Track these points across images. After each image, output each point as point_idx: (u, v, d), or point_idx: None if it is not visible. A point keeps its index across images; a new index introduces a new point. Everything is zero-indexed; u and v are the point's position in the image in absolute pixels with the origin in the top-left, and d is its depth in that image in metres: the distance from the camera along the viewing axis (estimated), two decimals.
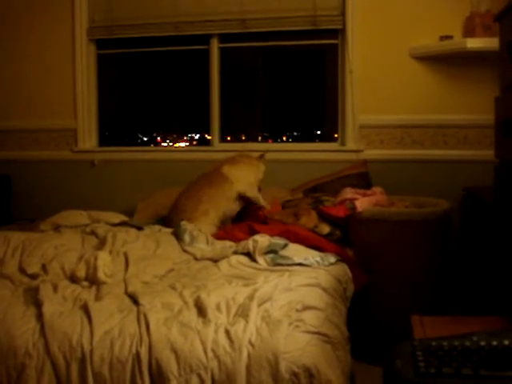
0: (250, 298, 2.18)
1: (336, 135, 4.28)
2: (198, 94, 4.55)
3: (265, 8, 4.15)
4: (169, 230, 3.29)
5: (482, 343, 1.33)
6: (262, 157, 3.73)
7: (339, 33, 4.14)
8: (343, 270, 2.82)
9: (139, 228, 3.32)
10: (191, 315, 2.10)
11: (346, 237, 3.30)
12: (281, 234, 3.07)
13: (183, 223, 3.21)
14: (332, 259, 2.80)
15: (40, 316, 2.12)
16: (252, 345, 1.90)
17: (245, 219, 3.52)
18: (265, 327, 1.97)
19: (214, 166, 3.63)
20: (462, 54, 3.74)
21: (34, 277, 2.62)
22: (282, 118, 4.96)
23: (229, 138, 4.69)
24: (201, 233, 3.19)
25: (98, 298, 2.33)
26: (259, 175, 3.63)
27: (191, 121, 5.03)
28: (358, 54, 4.02)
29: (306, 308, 2.13)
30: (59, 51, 4.49)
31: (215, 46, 4.36)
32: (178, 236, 3.14)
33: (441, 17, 3.86)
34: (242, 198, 3.55)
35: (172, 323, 2.04)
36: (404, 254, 3.14)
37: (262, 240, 2.89)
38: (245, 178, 3.55)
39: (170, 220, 3.51)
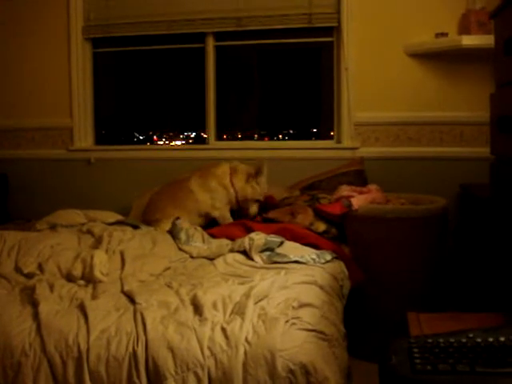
0: (247, 295, 2.18)
1: (332, 133, 4.28)
2: (194, 92, 4.55)
3: (260, 6, 4.15)
4: (164, 229, 3.29)
5: (478, 340, 1.33)
6: (258, 173, 3.57)
7: (334, 30, 4.14)
8: (339, 267, 2.82)
9: (135, 227, 3.32)
10: (188, 313, 2.10)
11: (342, 234, 3.30)
12: (277, 232, 3.07)
13: (179, 222, 3.21)
14: (328, 257, 2.80)
15: (36, 315, 2.12)
16: (248, 342, 1.90)
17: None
18: (261, 325, 1.97)
19: (188, 173, 3.62)
20: (457, 51, 3.74)
21: (30, 276, 2.62)
22: (277, 115, 4.96)
23: (225, 136, 4.68)
24: (197, 231, 3.20)
25: (94, 296, 2.33)
26: (229, 197, 3.55)
27: (187, 119, 5.03)
28: (353, 52, 4.02)
29: (303, 305, 2.13)
30: (55, 50, 4.48)
31: (211, 45, 4.36)
32: (173, 235, 3.14)
33: (436, 14, 3.86)
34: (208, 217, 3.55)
35: (168, 322, 2.04)
36: (400, 251, 3.14)
37: (258, 238, 2.89)
38: (212, 200, 3.52)
39: (144, 222, 3.52)
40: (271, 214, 3.41)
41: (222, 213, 3.53)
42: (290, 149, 4.28)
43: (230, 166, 3.62)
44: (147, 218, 3.55)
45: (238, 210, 3.61)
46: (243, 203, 3.58)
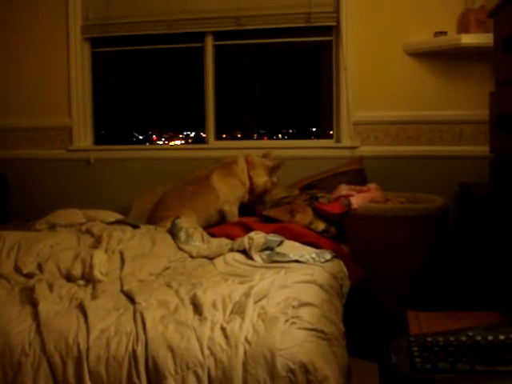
0: (246, 295, 2.18)
1: (331, 132, 4.28)
2: (194, 91, 4.55)
3: (259, 5, 4.15)
4: (164, 229, 3.29)
5: (478, 338, 1.33)
6: (277, 168, 3.67)
7: (333, 29, 4.14)
8: (339, 266, 2.82)
9: (135, 226, 3.32)
10: (187, 313, 2.10)
11: (341, 233, 3.30)
12: (276, 231, 3.07)
13: (178, 221, 3.21)
14: (328, 256, 2.80)
15: (36, 315, 2.12)
16: (248, 342, 1.90)
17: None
18: (261, 324, 1.97)
19: (207, 170, 3.62)
20: (456, 50, 3.73)
21: (29, 276, 2.62)
22: (277, 115, 4.96)
23: (224, 136, 4.68)
24: (196, 231, 3.19)
25: (93, 296, 2.33)
26: (244, 193, 3.62)
27: (187, 119, 5.03)
28: (352, 51, 4.02)
29: (302, 304, 2.14)
30: (54, 50, 4.48)
31: (210, 44, 4.35)
32: (173, 234, 3.14)
33: (435, 13, 3.86)
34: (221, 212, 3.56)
35: (168, 321, 2.04)
36: (399, 250, 3.14)
37: (258, 237, 2.89)
38: (229, 195, 3.55)
39: (153, 218, 3.51)
40: (271, 213, 3.41)
41: (232, 208, 3.55)
42: (290, 148, 4.28)
43: (247, 160, 3.66)
44: (159, 215, 3.52)
45: (250, 203, 3.67)
46: (261, 194, 3.66)
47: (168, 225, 3.30)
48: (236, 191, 3.57)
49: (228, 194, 3.53)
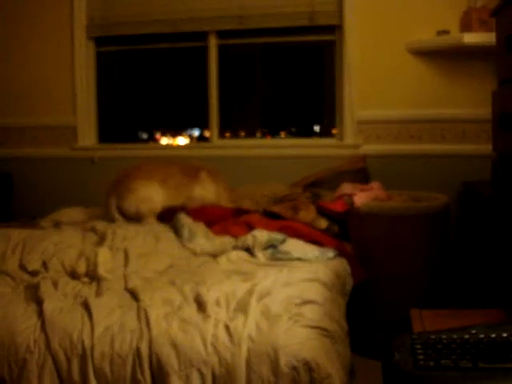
0: (250, 292, 2.19)
1: (334, 131, 4.28)
2: (197, 90, 4.55)
3: (262, 4, 4.15)
4: (167, 227, 3.29)
5: (481, 336, 1.34)
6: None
7: (337, 29, 4.14)
8: (342, 264, 2.83)
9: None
10: (191, 310, 2.11)
11: (344, 232, 3.30)
12: (279, 230, 3.07)
13: (181, 217, 3.21)
14: (331, 254, 2.81)
15: (41, 312, 2.14)
16: (252, 339, 1.91)
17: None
18: (264, 322, 1.98)
19: (197, 165, 3.64)
20: (459, 49, 3.74)
21: (34, 274, 2.63)
22: (280, 113, 4.97)
23: (228, 135, 4.69)
24: (200, 228, 3.20)
25: (98, 294, 2.34)
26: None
27: (190, 117, 5.04)
28: (355, 50, 4.02)
29: (306, 302, 2.14)
30: (58, 49, 4.48)
31: (213, 43, 4.36)
32: (176, 230, 3.15)
33: (438, 12, 3.86)
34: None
35: (172, 319, 2.05)
36: (402, 249, 3.14)
37: (261, 235, 2.89)
38: (208, 195, 3.56)
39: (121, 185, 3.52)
40: (274, 208, 3.41)
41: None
42: (293, 147, 4.28)
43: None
44: (128, 185, 3.52)
45: None
46: None
47: (131, 196, 3.32)
48: (216, 194, 3.57)
49: (209, 192, 3.53)
